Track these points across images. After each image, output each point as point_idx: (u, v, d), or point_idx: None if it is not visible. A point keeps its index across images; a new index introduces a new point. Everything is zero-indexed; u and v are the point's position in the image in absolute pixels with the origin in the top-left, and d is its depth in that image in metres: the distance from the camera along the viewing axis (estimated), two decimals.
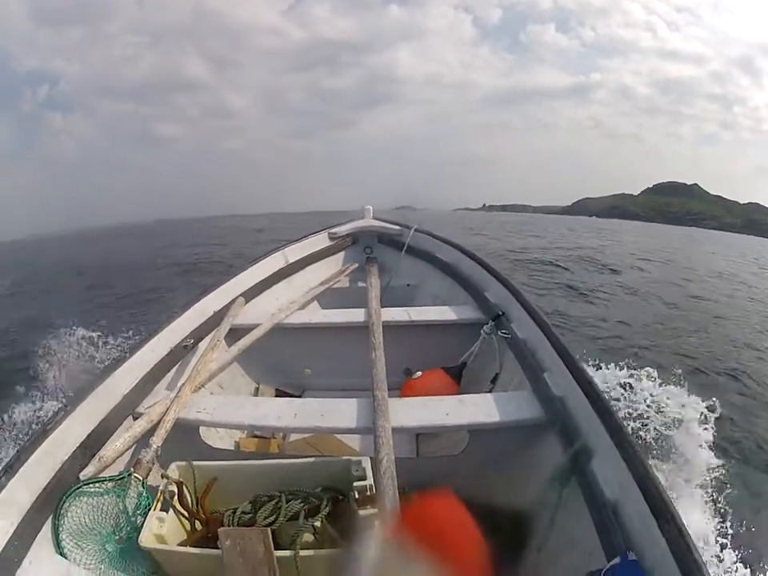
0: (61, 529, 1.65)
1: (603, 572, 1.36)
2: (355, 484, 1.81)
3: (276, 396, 3.28)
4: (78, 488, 1.74)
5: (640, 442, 1.67)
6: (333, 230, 4.52)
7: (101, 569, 1.66)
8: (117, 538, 1.73)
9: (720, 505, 3.35)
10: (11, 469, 1.62)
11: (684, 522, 1.30)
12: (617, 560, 1.36)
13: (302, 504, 1.77)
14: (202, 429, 2.37)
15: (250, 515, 1.76)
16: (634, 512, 1.46)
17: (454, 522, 1.71)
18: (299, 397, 3.23)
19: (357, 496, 1.79)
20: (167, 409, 2.18)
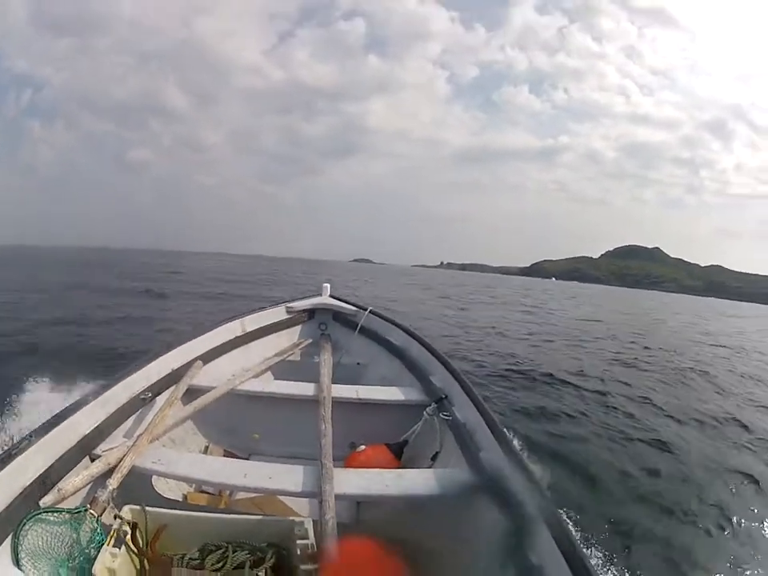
0: (20, 548, 1.74)
1: None
2: (298, 542, 1.96)
3: (224, 456, 3.35)
4: (37, 513, 1.82)
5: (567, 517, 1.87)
6: (290, 305, 4.74)
7: None
8: (70, 565, 1.80)
9: None
10: None
11: None
12: None
13: (248, 555, 1.90)
14: (154, 478, 2.47)
15: (198, 561, 1.86)
16: None
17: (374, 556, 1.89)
18: (246, 459, 3.31)
19: (299, 552, 1.93)
20: (124, 455, 2.29)
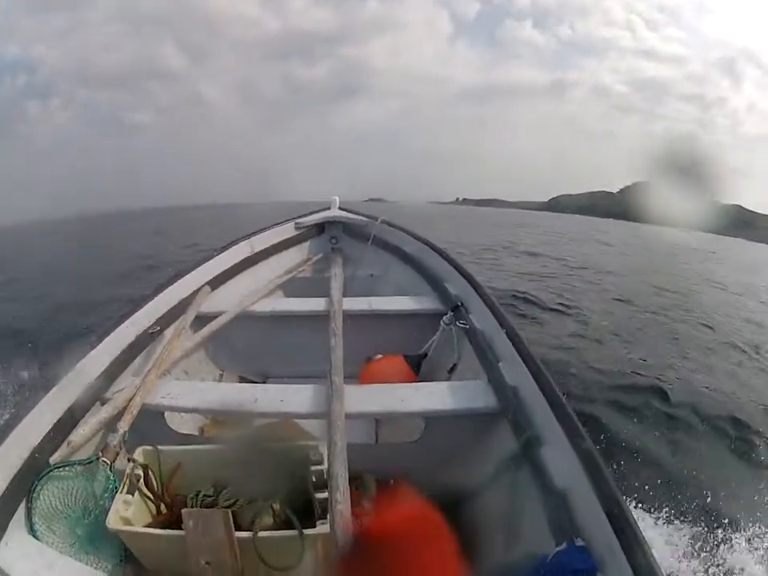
0: (33, 512, 1.74)
1: (550, 557, 1.42)
2: (312, 468, 1.93)
3: (240, 382, 3.36)
4: (48, 472, 1.82)
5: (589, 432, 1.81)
6: (299, 220, 4.56)
7: (71, 551, 1.76)
8: (86, 521, 1.83)
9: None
10: None
11: (631, 509, 1.41)
12: (564, 546, 1.41)
13: (262, 487, 1.87)
14: (167, 414, 2.45)
15: (212, 498, 1.87)
16: (582, 500, 1.53)
17: (415, 515, 1.82)
18: (263, 383, 3.32)
19: (314, 479, 1.91)
20: (133, 395, 2.25)
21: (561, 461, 1.70)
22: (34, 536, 1.72)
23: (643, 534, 1.33)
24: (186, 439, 2.44)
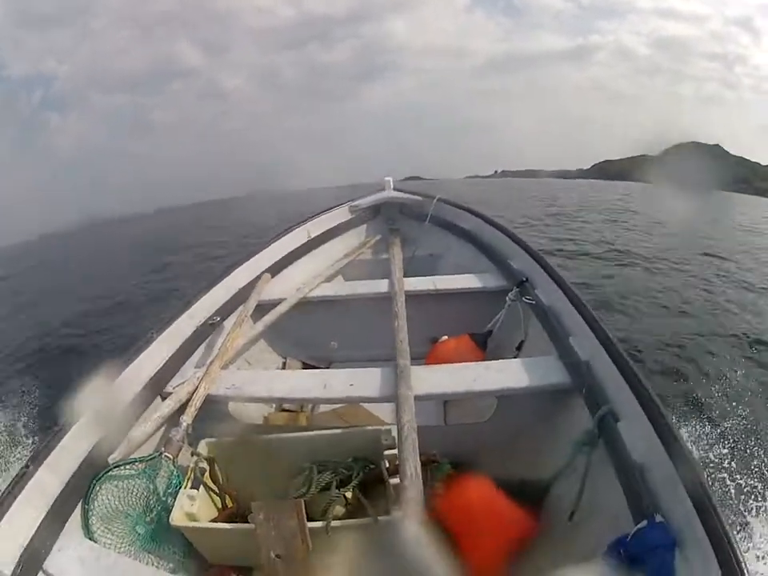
0: (90, 514, 1.65)
1: (631, 535, 1.36)
2: (385, 453, 1.81)
3: (303, 369, 3.27)
4: (107, 472, 1.73)
5: (666, 405, 1.67)
6: (354, 203, 4.45)
7: (131, 551, 1.66)
8: (147, 519, 1.73)
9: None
10: (39, 456, 1.63)
11: (710, 484, 1.32)
12: (644, 523, 1.36)
13: (333, 475, 1.76)
14: (230, 405, 2.37)
15: (282, 488, 1.74)
16: (660, 475, 1.47)
17: (487, 505, 1.69)
18: (327, 369, 3.22)
19: (387, 465, 1.78)
20: (196, 387, 2.17)
21: (638, 436, 1.63)
22: (90, 538, 1.62)
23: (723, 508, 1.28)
24: (250, 430, 2.35)
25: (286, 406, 2.76)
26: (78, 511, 1.65)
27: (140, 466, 1.80)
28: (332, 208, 4.40)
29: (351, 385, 2.23)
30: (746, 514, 2.90)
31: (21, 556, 1.39)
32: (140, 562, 1.65)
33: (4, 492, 1.50)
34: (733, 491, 3.03)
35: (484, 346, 2.83)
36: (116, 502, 1.71)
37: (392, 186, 4.58)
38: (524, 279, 2.90)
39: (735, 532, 1.17)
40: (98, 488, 1.69)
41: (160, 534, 1.71)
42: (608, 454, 1.68)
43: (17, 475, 1.56)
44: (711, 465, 3.12)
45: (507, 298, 2.90)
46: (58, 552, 1.50)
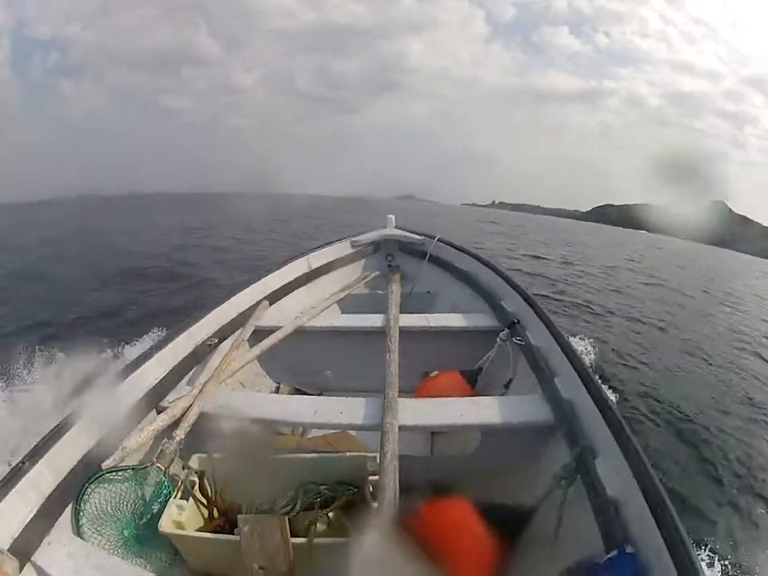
0: (81, 514, 1.71)
1: (601, 563, 1.43)
2: (370, 478, 1.87)
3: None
4: (100, 475, 1.79)
5: (641, 443, 1.75)
6: (355, 239, 4.59)
7: (118, 552, 1.71)
8: (135, 524, 1.78)
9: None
10: (37, 454, 1.68)
11: (680, 519, 1.36)
12: (614, 552, 1.42)
13: (318, 496, 1.82)
14: (223, 423, 2.44)
15: (268, 505, 1.79)
16: (633, 509, 1.53)
17: (462, 524, 1.75)
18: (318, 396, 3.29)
19: (372, 489, 1.84)
20: (191, 404, 2.25)
21: (613, 471, 1.71)
22: (80, 536, 1.68)
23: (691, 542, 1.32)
24: (241, 448, 2.40)
25: (277, 428, 2.81)
26: (69, 510, 1.71)
27: (130, 473, 1.86)
28: (334, 241, 4.56)
29: (341, 412, 2.31)
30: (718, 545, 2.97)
31: (10, 546, 1.45)
32: (127, 563, 1.70)
33: None
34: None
35: (474, 383, 2.93)
36: (106, 506, 1.77)
37: (393, 224, 4.74)
38: (515, 321, 3.02)
39: (703, 564, 1.22)
40: (90, 490, 1.76)
41: (147, 540, 1.76)
42: (585, 488, 1.74)
43: (12, 469, 1.62)
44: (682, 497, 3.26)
45: (498, 338, 3.00)
46: (47, 546, 1.56)
